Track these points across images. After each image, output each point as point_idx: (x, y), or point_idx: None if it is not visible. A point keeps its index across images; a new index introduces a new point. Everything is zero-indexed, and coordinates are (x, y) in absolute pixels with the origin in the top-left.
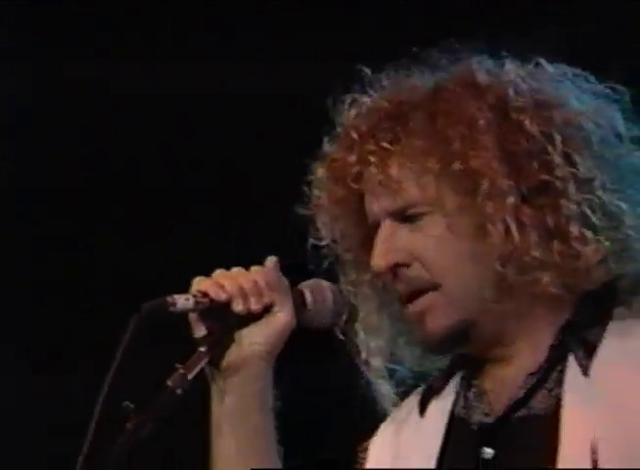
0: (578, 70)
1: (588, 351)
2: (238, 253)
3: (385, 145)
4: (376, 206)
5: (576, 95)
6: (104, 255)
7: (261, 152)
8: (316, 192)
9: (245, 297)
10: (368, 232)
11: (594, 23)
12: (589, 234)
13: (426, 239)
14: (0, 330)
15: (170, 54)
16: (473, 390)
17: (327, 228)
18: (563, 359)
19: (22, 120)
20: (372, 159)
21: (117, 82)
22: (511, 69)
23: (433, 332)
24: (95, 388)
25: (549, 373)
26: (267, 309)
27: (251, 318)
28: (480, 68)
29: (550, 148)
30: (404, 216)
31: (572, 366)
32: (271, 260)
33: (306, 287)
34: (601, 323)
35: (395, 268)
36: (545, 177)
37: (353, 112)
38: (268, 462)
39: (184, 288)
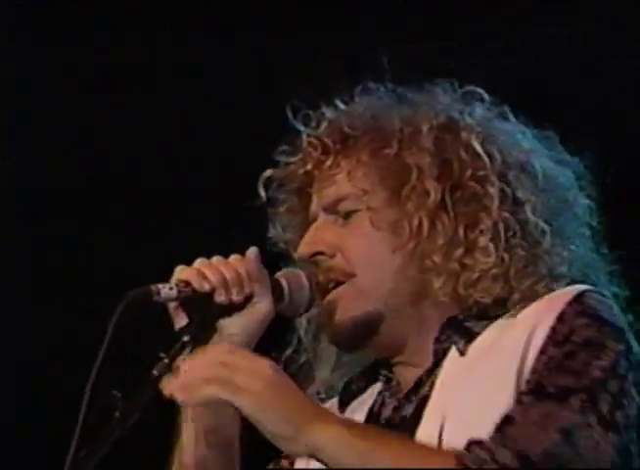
0: (542, 133)
1: (469, 338)
2: (238, 253)
3: (326, 141)
4: (314, 204)
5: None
6: (104, 254)
7: (260, 151)
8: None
9: (227, 287)
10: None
11: (594, 23)
12: (493, 247)
13: (351, 233)
14: (0, 330)
15: (170, 54)
16: (390, 389)
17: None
18: (447, 351)
19: (22, 120)
20: (313, 154)
21: (117, 82)
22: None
23: (341, 323)
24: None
25: (435, 367)
26: (247, 300)
27: (231, 308)
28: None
29: (488, 164)
30: (336, 211)
31: (452, 352)
32: (252, 251)
33: (283, 277)
34: (487, 319)
35: (317, 256)
36: (472, 187)
37: (314, 124)
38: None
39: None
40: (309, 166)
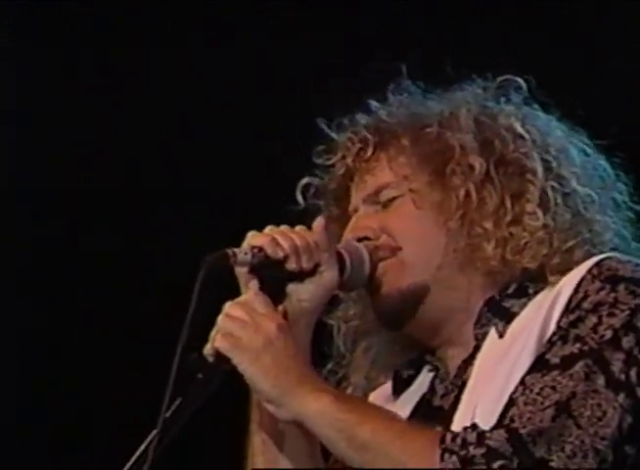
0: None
1: (508, 319)
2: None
3: (366, 135)
4: (354, 198)
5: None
6: (103, 255)
7: (260, 150)
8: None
9: (298, 255)
10: None
11: (594, 23)
12: (541, 213)
13: (394, 215)
14: (0, 330)
15: (170, 53)
16: (439, 376)
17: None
18: (487, 333)
19: (22, 120)
20: (353, 150)
21: (117, 82)
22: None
23: (387, 295)
24: (93, 382)
25: (477, 350)
26: (315, 268)
27: (300, 275)
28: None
29: (529, 142)
30: (377, 201)
31: (492, 334)
32: (320, 222)
33: (345, 249)
34: (527, 295)
35: (362, 242)
36: (516, 162)
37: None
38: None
39: (184, 288)
40: (349, 162)
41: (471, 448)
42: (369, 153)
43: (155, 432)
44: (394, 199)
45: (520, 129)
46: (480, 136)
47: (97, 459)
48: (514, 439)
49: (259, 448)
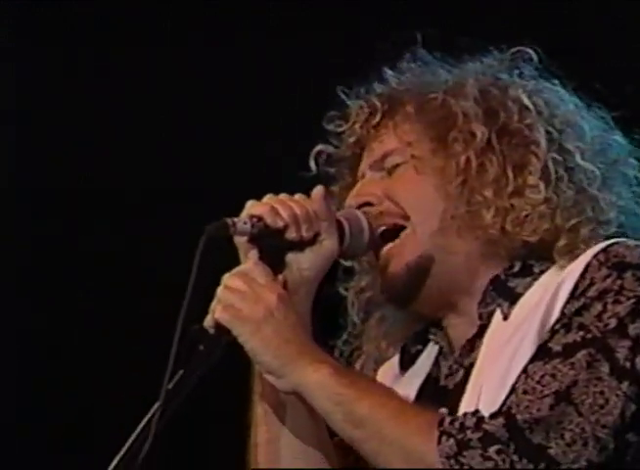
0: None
1: (513, 300)
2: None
3: (375, 102)
4: (363, 165)
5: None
6: (103, 255)
7: (260, 150)
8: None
9: (298, 224)
10: None
11: (594, 24)
12: (543, 186)
13: (397, 181)
14: (0, 331)
15: (170, 53)
16: (443, 354)
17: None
18: (492, 313)
19: (22, 120)
20: (362, 117)
21: (117, 82)
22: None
23: (396, 271)
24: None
25: (483, 330)
26: (315, 237)
27: (300, 244)
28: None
29: (535, 114)
30: (382, 168)
31: (497, 315)
32: (319, 190)
33: (344, 217)
34: (532, 275)
35: (366, 207)
36: (519, 133)
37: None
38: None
39: (184, 288)
40: (358, 130)
41: (468, 433)
42: (377, 120)
43: (157, 404)
44: (398, 165)
45: (526, 101)
46: (484, 105)
47: (97, 459)
48: (510, 425)
49: (262, 419)
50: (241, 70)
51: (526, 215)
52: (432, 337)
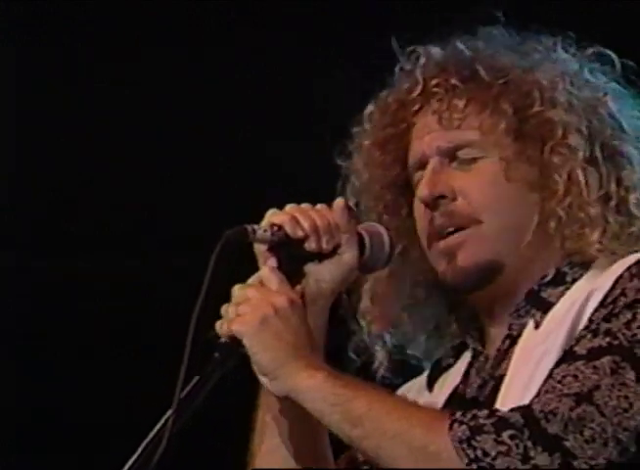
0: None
1: (545, 310)
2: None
3: (454, 81)
4: (426, 144)
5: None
6: (103, 255)
7: (260, 150)
8: (364, 129)
9: (318, 235)
10: (400, 177)
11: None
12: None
13: (476, 178)
14: (0, 331)
15: (171, 54)
16: (476, 364)
17: (359, 176)
18: (524, 325)
19: (22, 120)
20: (438, 92)
21: (117, 82)
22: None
23: (463, 266)
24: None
25: (514, 341)
26: (334, 249)
27: (319, 256)
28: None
29: (623, 131)
30: (455, 157)
31: (530, 325)
32: (340, 202)
33: (365, 231)
34: (564, 283)
35: (439, 200)
36: (615, 143)
37: (421, 60)
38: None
39: (185, 289)
40: (434, 105)
41: (480, 419)
42: (461, 103)
43: (170, 411)
44: (477, 159)
45: (616, 114)
46: (579, 115)
47: (97, 459)
48: (526, 413)
49: (264, 429)
50: (241, 71)
51: (627, 232)
52: (471, 337)
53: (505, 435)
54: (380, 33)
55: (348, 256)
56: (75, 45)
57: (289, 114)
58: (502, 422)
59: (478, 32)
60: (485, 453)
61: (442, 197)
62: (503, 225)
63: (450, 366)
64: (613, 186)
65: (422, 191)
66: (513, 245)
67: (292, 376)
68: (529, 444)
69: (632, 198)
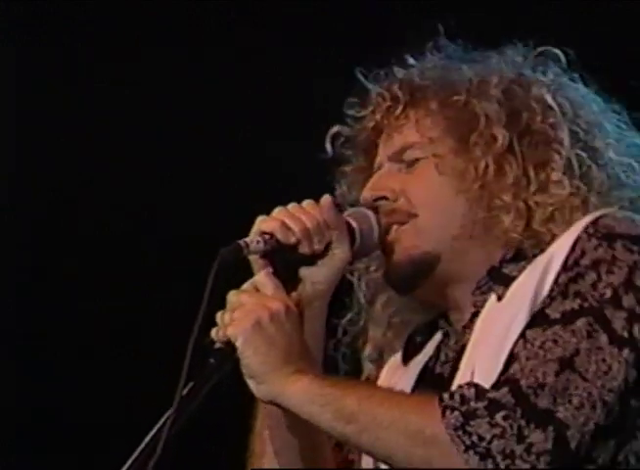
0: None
1: (507, 283)
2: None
3: (395, 92)
4: (380, 154)
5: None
6: (103, 255)
7: (260, 150)
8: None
9: (310, 238)
10: None
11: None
12: (567, 180)
13: (415, 178)
14: (0, 331)
15: (170, 54)
16: (445, 342)
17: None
18: (485, 301)
19: (22, 120)
20: (389, 105)
21: (117, 82)
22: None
23: (399, 261)
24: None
25: (474, 316)
26: (326, 247)
27: (312, 257)
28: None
29: (559, 114)
30: (401, 160)
31: (492, 298)
32: (327, 199)
33: (353, 218)
34: (525, 259)
35: (381, 201)
36: (542, 132)
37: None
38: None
39: (185, 289)
40: (378, 117)
41: (472, 403)
42: (398, 110)
43: (169, 412)
44: (418, 160)
45: (550, 100)
46: (507, 106)
47: (97, 459)
48: (515, 391)
49: (262, 432)
50: (241, 71)
51: (554, 210)
52: (441, 325)
53: (498, 417)
54: (380, 33)
55: (340, 252)
56: (75, 45)
57: (289, 114)
58: (494, 404)
59: (431, 47)
60: (481, 438)
61: (385, 198)
62: (436, 216)
63: (423, 344)
64: (531, 170)
65: (364, 193)
66: (447, 235)
67: (279, 381)
68: (523, 422)
69: (554, 176)
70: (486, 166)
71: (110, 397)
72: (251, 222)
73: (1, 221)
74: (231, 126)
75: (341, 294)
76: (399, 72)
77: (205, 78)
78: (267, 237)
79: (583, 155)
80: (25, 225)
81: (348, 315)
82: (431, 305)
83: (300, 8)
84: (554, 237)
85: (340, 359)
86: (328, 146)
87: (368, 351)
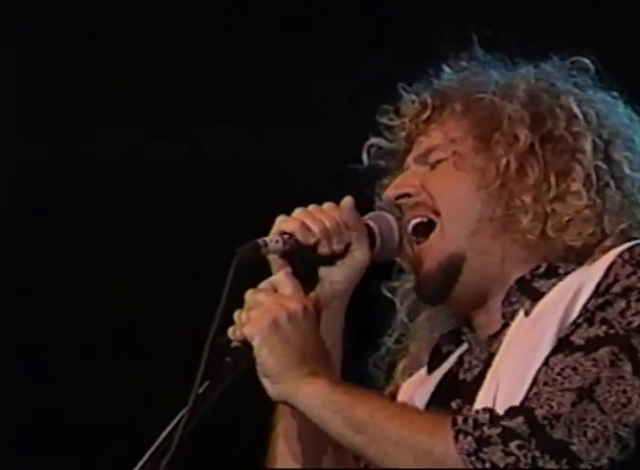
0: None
1: (536, 298)
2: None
3: (425, 99)
4: (409, 157)
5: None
6: (103, 255)
7: (260, 150)
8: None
9: (329, 238)
10: None
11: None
12: (585, 192)
13: (435, 175)
14: (0, 331)
15: (170, 54)
16: (470, 351)
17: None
18: (516, 313)
19: (22, 120)
20: (421, 112)
21: (117, 81)
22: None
23: (428, 270)
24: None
25: (505, 327)
26: (346, 248)
27: (332, 258)
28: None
29: (583, 123)
30: (426, 162)
31: (520, 313)
32: (348, 200)
33: (373, 221)
34: (557, 276)
35: (402, 198)
36: (565, 140)
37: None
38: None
39: (182, 292)
40: (407, 122)
41: (485, 429)
42: (426, 115)
43: (184, 410)
44: (441, 161)
45: (575, 109)
46: (531, 110)
47: (97, 459)
48: (530, 421)
49: (282, 433)
50: (241, 71)
51: (569, 220)
52: (463, 336)
53: (513, 445)
54: (380, 33)
55: (359, 253)
56: (75, 45)
57: (289, 114)
58: (508, 432)
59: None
60: (494, 466)
61: (407, 195)
62: (454, 211)
63: (450, 353)
64: (553, 177)
65: (387, 191)
66: (466, 231)
67: (293, 382)
68: (537, 453)
69: (573, 187)
70: (508, 164)
71: (110, 397)
72: (251, 222)
73: (1, 221)
74: (231, 126)
75: (361, 297)
76: (434, 83)
77: (205, 78)
78: (287, 237)
79: (604, 167)
80: (25, 225)
81: (394, 335)
82: (462, 313)
83: (300, 8)
84: (569, 248)
85: (378, 376)
86: (364, 157)
87: (403, 365)
